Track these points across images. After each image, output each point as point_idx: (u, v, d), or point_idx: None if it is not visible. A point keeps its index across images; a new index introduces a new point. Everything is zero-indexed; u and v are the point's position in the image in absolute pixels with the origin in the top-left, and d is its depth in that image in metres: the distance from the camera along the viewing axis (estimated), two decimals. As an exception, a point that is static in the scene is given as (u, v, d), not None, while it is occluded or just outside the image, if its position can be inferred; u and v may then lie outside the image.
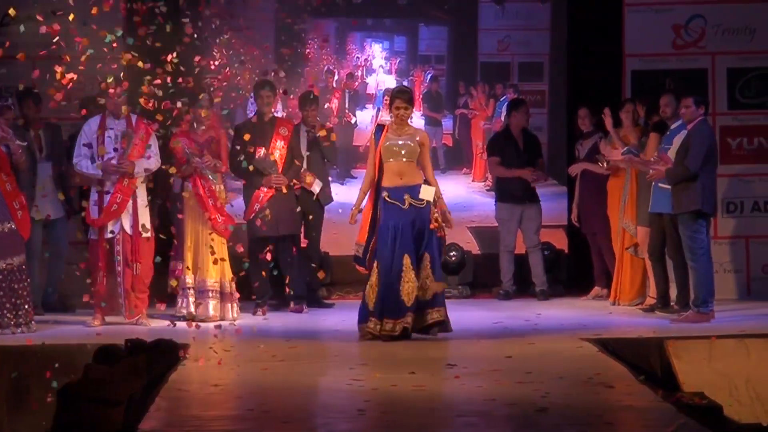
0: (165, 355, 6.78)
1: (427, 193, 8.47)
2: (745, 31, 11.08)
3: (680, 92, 9.56)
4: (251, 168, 9.69)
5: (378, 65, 17.67)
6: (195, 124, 9.70)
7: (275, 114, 10.52)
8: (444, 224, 8.49)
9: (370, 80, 19.02)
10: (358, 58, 17.30)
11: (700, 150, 9.08)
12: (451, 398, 6.56)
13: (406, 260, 8.35)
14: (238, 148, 9.73)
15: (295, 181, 10.09)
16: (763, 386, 7.35)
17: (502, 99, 16.79)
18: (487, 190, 16.82)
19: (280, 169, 9.98)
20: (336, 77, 17.89)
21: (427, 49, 19.14)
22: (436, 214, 8.44)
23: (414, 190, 8.50)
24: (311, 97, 10.63)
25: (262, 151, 9.90)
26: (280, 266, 9.97)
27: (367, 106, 19.58)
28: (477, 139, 17.96)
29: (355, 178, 16.14)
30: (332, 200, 10.62)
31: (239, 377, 7.15)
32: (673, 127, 9.57)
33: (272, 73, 12.63)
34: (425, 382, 6.87)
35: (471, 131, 18.41)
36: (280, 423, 5.85)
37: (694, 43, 11.14)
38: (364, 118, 19.17)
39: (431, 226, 8.42)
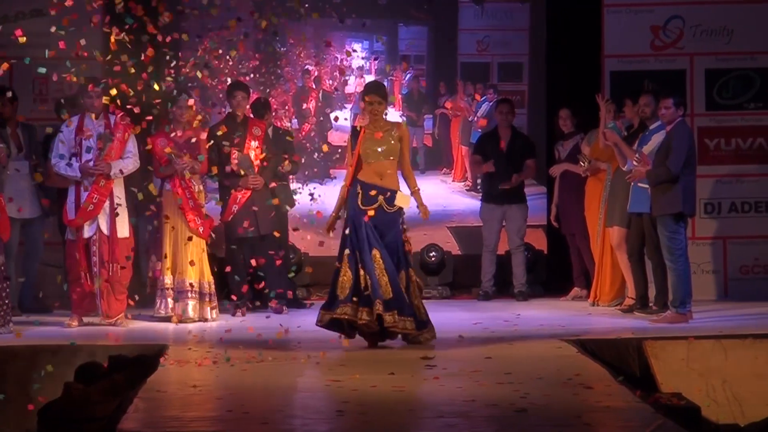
0: (146, 369, 6.74)
1: (402, 200, 8.23)
2: (723, 32, 11.14)
3: (659, 93, 9.60)
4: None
5: (357, 65, 17.64)
6: (174, 125, 9.74)
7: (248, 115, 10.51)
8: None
9: (350, 80, 19.00)
10: (336, 57, 17.31)
11: (681, 152, 9.12)
12: (430, 399, 6.56)
13: (376, 254, 8.09)
14: (211, 149, 9.80)
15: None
16: (740, 387, 7.39)
17: (482, 99, 16.85)
18: (467, 190, 16.86)
19: (256, 170, 9.99)
20: (314, 76, 17.91)
21: (407, 49, 19.15)
22: (407, 231, 8.25)
23: (390, 195, 8.22)
24: (263, 102, 10.77)
25: (236, 152, 9.92)
26: (261, 266, 9.99)
27: (346, 105, 19.54)
28: (457, 138, 17.99)
29: (335, 178, 16.11)
30: (294, 204, 10.62)
31: (218, 378, 7.14)
32: (651, 127, 9.62)
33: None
34: (405, 383, 6.88)
35: (451, 131, 18.44)
36: (259, 424, 5.84)
37: (672, 44, 11.20)
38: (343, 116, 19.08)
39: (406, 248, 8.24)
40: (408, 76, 18.39)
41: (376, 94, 8.31)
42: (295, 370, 7.42)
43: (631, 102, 10.11)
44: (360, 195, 8.20)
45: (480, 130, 14.48)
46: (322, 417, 6.06)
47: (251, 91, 10.85)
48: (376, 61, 13.83)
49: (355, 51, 14.09)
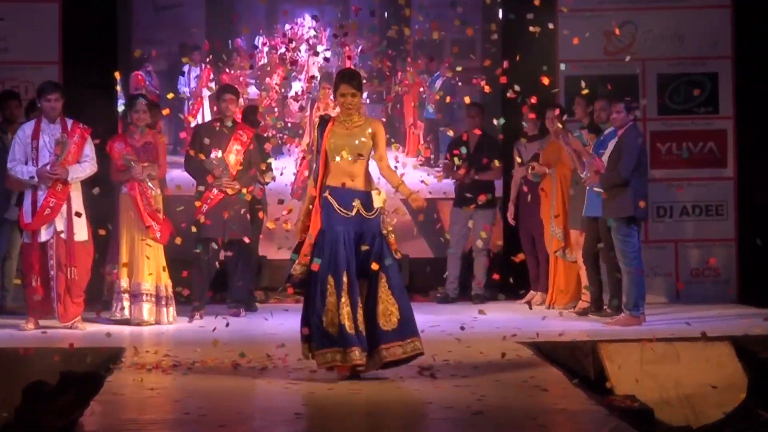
0: (97, 387, 6.66)
1: (378, 200, 7.22)
2: (674, 37, 11.24)
3: (613, 97, 9.66)
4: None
5: (309, 36, 17.33)
6: (132, 129, 9.72)
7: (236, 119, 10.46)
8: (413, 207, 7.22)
9: (301, 51, 18.73)
10: (291, 27, 16.98)
11: (631, 156, 9.19)
12: (387, 402, 6.57)
13: (345, 280, 7.06)
14: (192, 147, 9.80)
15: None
16: (692, 389, 7.45)
17: (435, 75, 16.83)
18: (420, 165, 16.85)
19: (234, 174, 9.94)
20: (279, 52, 17.62)
21: (359, 24, 18.95)
22: (391, 231, 7.27)
23: (365, 198, 7.20)
24: (254, 110, 10.78)
25: (218, 153, 9.88)
26: (226, 269, 10.01)
27: (299, 78, 19.14)
28: (409, 115, 17.97)
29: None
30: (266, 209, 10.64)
31: (176, 381, 7.11)
32: (606, 132, 9.68)
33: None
34: (362, 386, 6.88)
35: (404, 107, 18.40)
36: (216, 427, 5.83)
37: (624, 49, 11.27)
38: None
39: (396, 255, 7.25)
40: (359, 47, 18.12)
41: (350, 84, 7.25)
42: (252, 373, 7.40)
43: (583, 102, 10.16)
44: (334, 201, 7.19)
45: (433, 105, 14.44)
46: (281, 420, 6.04)
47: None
48: (327, 32, 13.66)
49: (315, 18, 13.87)
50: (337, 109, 7.46)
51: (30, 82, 10.73)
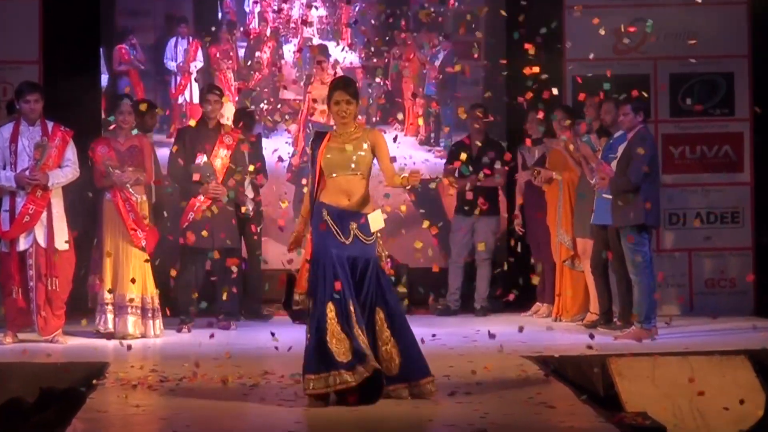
0: (78, 403, 6.63)
1: (376, 223, 6.90)
2: (688, 35, 11.22)
3: (621, 99, 9.63)
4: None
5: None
6: (116, 131, 9.71)
7: (221, 120, 10.46)
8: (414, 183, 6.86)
9: (294, 13, 18.70)
10: None
11: (642, 161, 9.17)
12: (386, 419, 6.54)
13: (351, 309, 6.81)
14: (176, 151, 9.76)
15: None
16: (706, 406, 7.44)
17: (436, 50, 16.83)
18: (420, 144, 16.83)
19: (221, 179, 9.92)
20: (270, 24, 17.54)
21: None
22: (385, 255, 7.06)
23: (363, 222, 6.91)
24: (248, 114, 10.80)
25: (203, 158, 9.86)
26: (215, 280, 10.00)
27: (291, 39, 19.08)
28: (408, 90, 17.94)
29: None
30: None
31: (163, 397, 7.09)
32: (616, 135, 9.66)
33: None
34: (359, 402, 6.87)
35: (402, 82, 18.35)
36: (205, 446, 5.85)
37: (635, 48, 11.26)
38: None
39: (388, 272, 7.09)
40: (356, 7, 18.07)
41: (344, 91, 7.01)
42: (244, 389, 7.38)
43: (596, 103, 10.12)
44: (329, 224, 6.90)
45: (434, 81, 14.44)
46: (274, 438, 6.06)
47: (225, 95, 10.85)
48: None
49: None
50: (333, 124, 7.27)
51: (9, 82, 10.72)
